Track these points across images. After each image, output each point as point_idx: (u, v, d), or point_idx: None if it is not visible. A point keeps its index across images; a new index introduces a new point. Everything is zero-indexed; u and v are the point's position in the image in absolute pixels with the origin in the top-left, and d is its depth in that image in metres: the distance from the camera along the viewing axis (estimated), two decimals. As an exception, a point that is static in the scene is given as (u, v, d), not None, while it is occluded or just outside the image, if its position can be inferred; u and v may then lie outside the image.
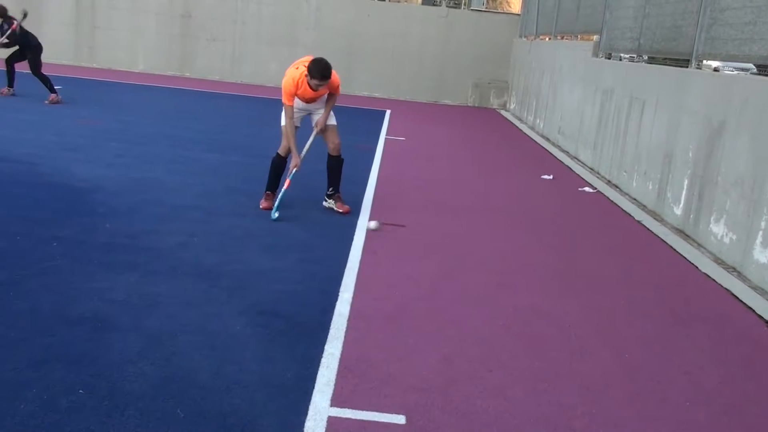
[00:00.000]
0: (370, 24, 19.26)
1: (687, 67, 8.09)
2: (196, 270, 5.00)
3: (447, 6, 19.68)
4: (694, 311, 5.25)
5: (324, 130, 6.78)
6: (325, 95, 6.72)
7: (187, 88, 16.80)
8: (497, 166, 10.74)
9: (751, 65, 12.67)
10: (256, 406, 3.31)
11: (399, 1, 20.84)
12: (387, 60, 19.35)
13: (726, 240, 6.46)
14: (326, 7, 19.33)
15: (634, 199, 8.80)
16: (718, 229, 6.63)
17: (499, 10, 29.39)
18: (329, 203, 6.98)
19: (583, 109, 11.67)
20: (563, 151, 12.51)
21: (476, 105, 19.26)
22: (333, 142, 6.86)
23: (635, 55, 10.22)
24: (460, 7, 19.95)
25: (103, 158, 8.36)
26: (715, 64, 13.81)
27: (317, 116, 6.79)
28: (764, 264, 5.78)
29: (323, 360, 3.85)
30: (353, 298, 4.78)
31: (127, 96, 14.38)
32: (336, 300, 4.72)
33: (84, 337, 3.83)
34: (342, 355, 3.94)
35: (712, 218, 6.77)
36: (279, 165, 6.83)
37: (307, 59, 6.45)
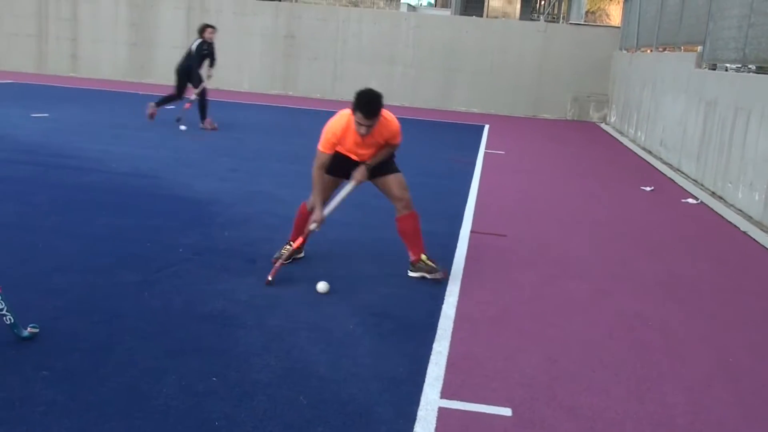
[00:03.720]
0: (468, 40, 19.49)
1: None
2: (310, 274, 5.31)
3: (545, 20, 19.70)
4: (802, 320, 5.23)
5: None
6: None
7: (291, 106, 17.43)
8: (598, 178, 10.75)
9: None
10: (372, 396, 3.57)
11: (497, 17, 21.00)
12: (485, 75, 19.52)
13: (836, 250, 6.36)
14: (425, 25, 19.69)
15: (740, 210, 8.69)
16: (827, 239, 6.53)
17: (598, 23, 29.15)
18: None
19: (686, 121, 11.55)
20: (665, 163, 12.39)
21: (575, 119, 19.19)
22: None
23: (740, 65, 10.08)
24: (558, 21, 19.94)
25: (217, 173, 8.87)
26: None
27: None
28: None
29: (432, 357, 4.08)
30: (458, 301, 5.00)
31: (236, 114, 15.05)
32: (442, 303, 4.94)
33: (214, 332, 4.19)
34: (449, 352, 4.16)
35: (821, 228, 6.67)
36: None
37: None
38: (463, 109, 19.48)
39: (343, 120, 5.10)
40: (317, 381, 3.69)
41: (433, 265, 5.36)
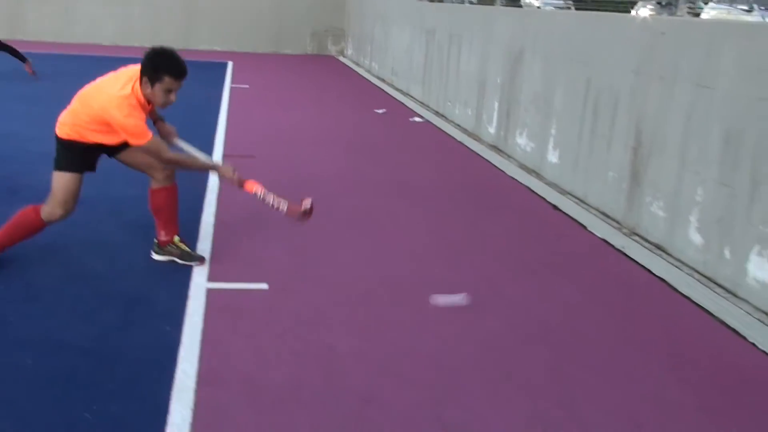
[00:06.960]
0: (205, -22, 19.56)
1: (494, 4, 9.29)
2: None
3: (280, -43, 20.23)
4: (502, 203, 6.46)
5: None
6: None
7: (23, 50, 16.60)
8: (336, 104, 11.68)
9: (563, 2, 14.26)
10: (149, 285, 4.16)
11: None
12: (225, 14, 19.73)
13: (528, 149, 7.72)
14: (159, -37, 19.43)
15: (458, 125, 10.00)
16: (521, 140, 7.88)
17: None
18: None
19: (412, 50, 12.77)
20: (397, 89, 13.61)
21: (315, 53, 20.08)
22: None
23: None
24: (292, -42, 20.55)
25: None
26: (537, 3, 15.27)
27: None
28: (555, 163, 7.06)
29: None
30: (216, 211, 5.63)
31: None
32: (201, 213, 5.54)
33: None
34: (212, 249, 4.81)
35: (517, 132, 8.01)
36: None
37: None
38: (206, 47, 19.61)
39: (131, 101, 4.02)
40: (98, 279, 4.20)
41: (187, 249, 4.55)
